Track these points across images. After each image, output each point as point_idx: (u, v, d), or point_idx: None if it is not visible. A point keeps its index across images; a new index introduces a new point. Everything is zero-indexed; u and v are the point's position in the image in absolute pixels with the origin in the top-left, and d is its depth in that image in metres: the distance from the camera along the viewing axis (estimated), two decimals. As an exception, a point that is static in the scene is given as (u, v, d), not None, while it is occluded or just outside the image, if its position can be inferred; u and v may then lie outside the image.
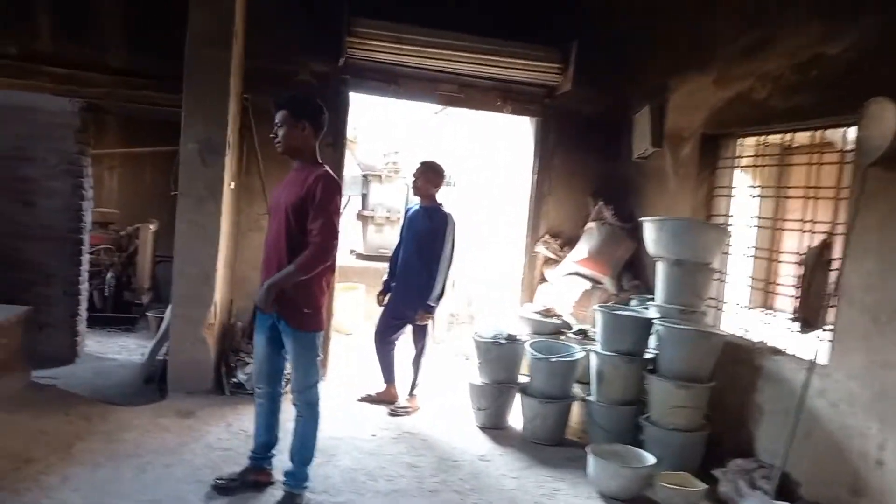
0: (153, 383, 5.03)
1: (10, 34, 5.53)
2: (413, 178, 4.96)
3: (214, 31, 4.58)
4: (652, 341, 4.33)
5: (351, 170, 8.62)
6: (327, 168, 3.33)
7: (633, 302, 4.90)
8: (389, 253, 5.32)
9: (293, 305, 3.20)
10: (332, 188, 3.22)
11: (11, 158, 5.57)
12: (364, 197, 8.65)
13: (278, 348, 3.32)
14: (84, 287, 6.02)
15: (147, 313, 7.06)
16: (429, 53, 5.22)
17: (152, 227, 7.27)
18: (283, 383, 3.58)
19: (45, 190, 5.67)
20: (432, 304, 4.85)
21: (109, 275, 7.14)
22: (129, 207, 7.99)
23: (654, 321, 4.29)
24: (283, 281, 3.14)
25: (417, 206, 5.05)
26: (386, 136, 9.02)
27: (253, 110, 5.18)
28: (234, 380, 4.86)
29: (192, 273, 4.69)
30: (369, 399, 5.12)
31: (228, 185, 4.87)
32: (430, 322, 4.98)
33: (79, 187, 5.76)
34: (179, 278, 4.71)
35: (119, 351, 6.45)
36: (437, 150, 8.06)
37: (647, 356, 4.34)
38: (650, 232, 4.41)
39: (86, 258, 6.01)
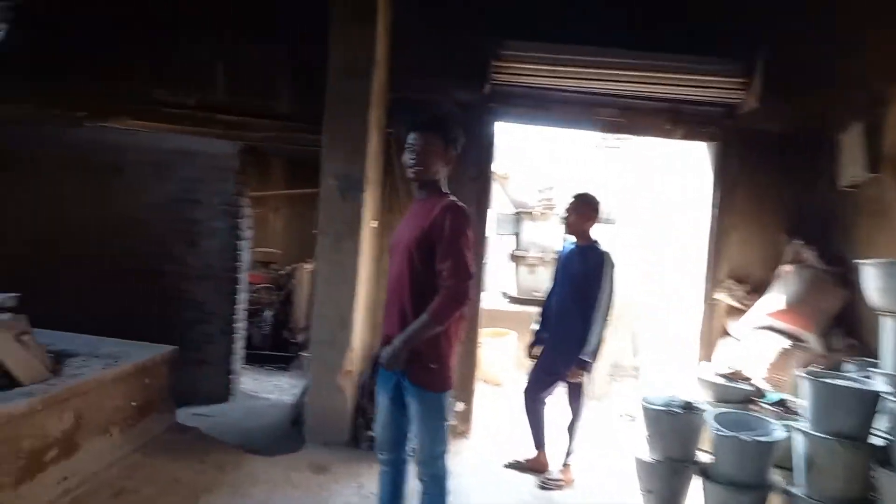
0: (299, 426, 4.82)
1: (190, 87, 5.91)
2: (565, 214, 4.31)
3: (354, 61, 4.36)
4: (881, 422, 3.29)
5: (502, 207, 8.16)
6: (454, 198, 2.84)
7: (849, 367, 3.84)
8: (542, 296, 4.68)
9: (418, 360, 2.72)
10: (462, 219, 2.72)
11: (181, 201, 5.76)
12: (516, 236, 8.11)
13: (404, 409, 2.83)
14: (240, 326, 6.04)
15: (302, 353, 7.00)
16: (586, 74, 4.62)
17: (309, 266, 7.26)
18: (410, 449, 3.08)
19: (207, 230, 5.80)
20: (587, 360, 4.13)
21: (268, 313, 7.21)
22: (291, 247, 8.13)
23: (884, 396, 3.26)
24: (417, 335, 2.68)
25: (572, 246, 4.40)
26: (540, 171, 8.46)
27: (396, 145, 4.88)
28: (371, 433, 4.47)
29: (330, 316, 4.41)
30: (518, 466, 4.46)
31: (369, 223, 4.57)
32: (585, 380, 4.25)
33: (237, 227, 5.82)
34: (318, 321, 4.46)
35: (272, 390, 6.40)
36: (597, 184, 7.35)
37: (876, 442, 3.29)
38: (875, 278, 3.42)
39: (242, 297, 6.04)
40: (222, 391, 5.89)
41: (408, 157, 2.86)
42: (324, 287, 4.45)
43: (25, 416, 3.01)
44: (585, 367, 4.11)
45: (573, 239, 4.34)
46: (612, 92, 4.82)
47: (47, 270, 5.73)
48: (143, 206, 5.73)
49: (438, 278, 2.66)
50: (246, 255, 6.01)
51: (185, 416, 5.39)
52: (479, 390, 5.44)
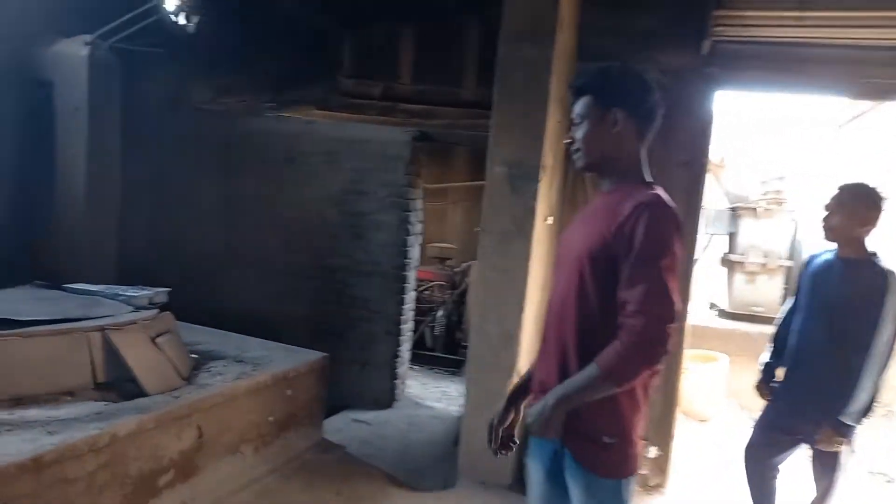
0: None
1: (376, 78, 5.72)
2: (826, 213, 2.98)
3: (532, 22, 3.50)
4: None
5: (714, 201, 6.78)
6: (658, 191, 1.86)
7: None
8: (763, 312, 3.42)
9: (584, 429, 1.82)
10: (664, 225, 1.74)
11: (349, 192, 5.40)
12: (731, 236, 6.69)
13: (566, 491, 1.94)
14: (407, 326, 5.54)
15: (473, 358, 6.35)
16: (851, 19, 3.32)
17: (484, 264, 6.57)
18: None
19: (374, 224, 5.37)
20: (849, 423, 2.84)
21: (440, 313, 6.66)
22: (469, 243, 7.51)
23: None
24: (581, 393, 1.76)
25: (830, 257, 3.08)
26: (763, 158, 6.93)
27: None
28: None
29: (492, 332, 3.63)
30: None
31: (544, 220, 3.71)
32: (843, 450, 2.95)
33: (406, 221, 5.31)
34: (476, 337, 3.70)
35: (439, 398, 5.84)
36: (848, 175, 5.73)
37: None
38: None
39: (410, 296, 5.53)
40: (386, 396, 5.44)
41: (567, 137, 1.98)
42: (486, 296, 3.68)
43: (134, 435, 2.61)
44: (846, 432, 2.82)
45: (832, 248, 3.04)
46: (888, 44, 3.43)
47: (214, 261, 5.68)
48: (311, 198, 5.43)
49: (620, 311, 1.74)
50: (415, 251, 5.49)
51: (344, 420, 5.01)
52: (680, 429, 4.34)
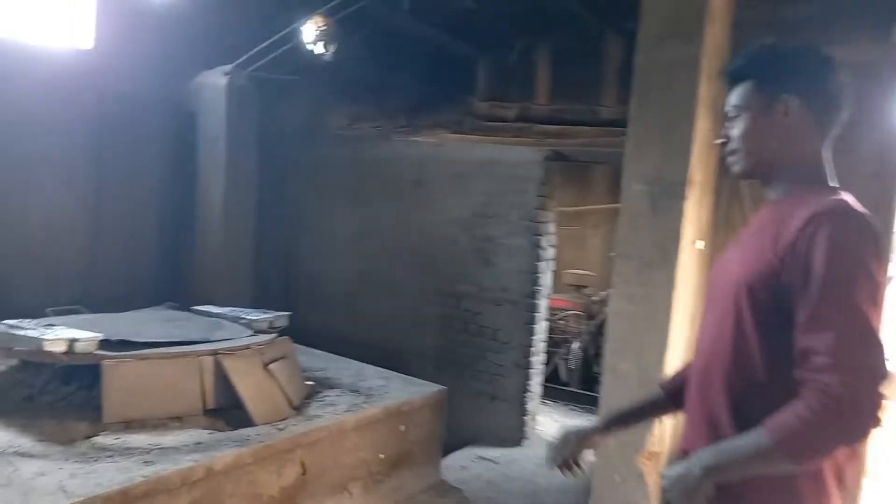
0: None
1: (511, 100, 5.64)
2: None
3: (675, 19, 3.03)
4: None
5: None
6: (844, 197, 1.36)
7: None
8: None
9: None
10: (855, 240, 1.24)
11: (478, 216, 5.14)
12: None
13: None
14: (538, 359, 5.13)
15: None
16: None
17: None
18: None
19: (504, 249, 5.06)
20: None
21: (575, 345, 6.16)
22: (608, 269, 6.96)
23: None
24: (735, 467, 1.28)
25: None
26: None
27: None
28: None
29: (628, 372, 3.14)
30: None
31: (692, 244, 3.18)
32: None
33: (538, 246, 4.94)
34: (610, 377, 3.23)
35: (573, 438, 5.32)
36: None
37: None
38: None
39: (541, 326, 5.12)
40: (514, 433, 5.04)
41: (720, 136, 1.52)
42: (621, 331, 3.21)
43: (231, 469, 2.45)
44: None
45: None
46: None
47: (344, 286, 5.62)
48: (439, 222, 5.23)
49: (801, 363, 1.26)
50: (548, 277, 5.09)
51: (469, 457, 4.69)
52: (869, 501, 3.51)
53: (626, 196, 3.19)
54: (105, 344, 2.83)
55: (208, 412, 2.85)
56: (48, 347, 2.65)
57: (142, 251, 4.91)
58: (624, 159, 3.18)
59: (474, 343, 5.11)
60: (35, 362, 2.78)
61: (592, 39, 5.39)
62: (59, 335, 2.71)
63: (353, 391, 3.45)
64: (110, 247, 4.79)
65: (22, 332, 2.71)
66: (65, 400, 2.78)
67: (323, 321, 5.71)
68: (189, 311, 3.76)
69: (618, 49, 5.25)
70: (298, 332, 3.84)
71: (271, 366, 3.12)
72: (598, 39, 5.37)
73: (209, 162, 4.79)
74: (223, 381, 2.91)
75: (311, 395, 3.30)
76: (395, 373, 3.81)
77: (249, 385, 2.96)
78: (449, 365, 5.14)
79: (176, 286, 4.93)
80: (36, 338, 2.66)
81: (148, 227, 4.96)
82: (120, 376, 2.72)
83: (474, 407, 5.06)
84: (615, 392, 3.18)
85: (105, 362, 2.71)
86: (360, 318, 5.60)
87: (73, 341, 2.71)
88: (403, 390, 3.51)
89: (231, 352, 3.01)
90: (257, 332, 3.45)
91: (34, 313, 3.58)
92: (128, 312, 3.58)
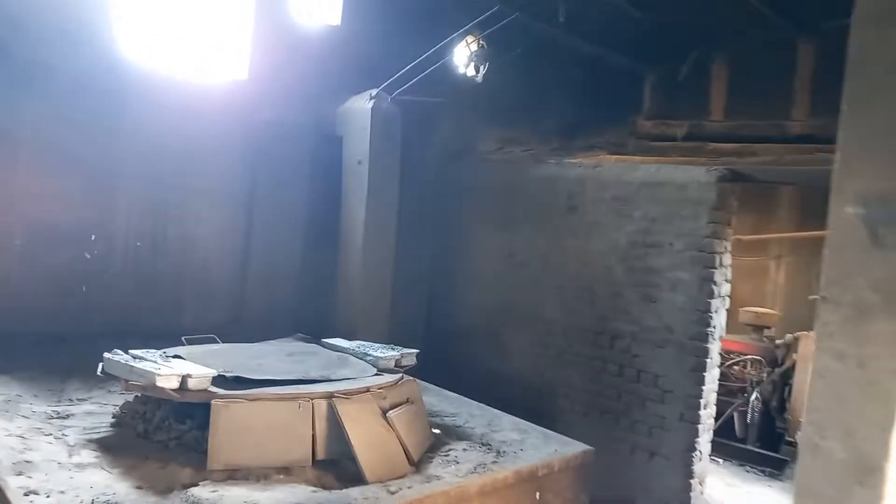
0: None
1: (680, 117, 5.14)
2: None
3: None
4: None
5: None
6: None
7: None
8: None
9: None
10: None
11: (638, 245, 4.50)
12: None
13: None
14: (707, 412, 4.33)
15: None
16: None
17: (818, 338, 4.95)
18: None
19: (668, 282, 4.36)
20: None
21: (754, 395, 5.20)
22: (795, 308, 5.87)
23: None
24: None
25: None
26: None
27: None
28: None
29: (834, 453, 2.34)
30: None
31: (929, 291, 2.33)
32: None
33: (709, 280, 4.19)
34: (809, 456, 2.44)
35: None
36: None
37: None
38: None
39: (713, 373, 4.33)
40: (678, 496, 4.28)
41: None
42: (825, 397, 2.42)
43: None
44: None
45: None
46: None
47: (488, 319, 5.18)
48: (594, 251, 4.64)
49: None
50: (721, 317, 4.29)
51: (625, 521, 4.02)
52: None
53: (834, 223, 2.42)
54: (219, 380, 2.63)
55: (318, 463, 2.52)
56: (160, 383, 2.49)
57: (286, 276, 4.86)
58: (833, 177, 2.42)
59: (631, 389, 4.43)
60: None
61: (780, 45, 4.61)
62: (172, 370, 2.53)
63: (483, 445, 2.98)
64: (258, 271, 4.78)
65: (140, 366, 2.58)
66: (177, 440, 2.61)
67: (464, 353, 5.33)
68: (318, 343, 3.52)
69: (810, 54, 4.46)
70: (436, 365, 3.50)
71: (392, 413, 2.75)
72: (787, 45, 4.57)
73: (353, 187, 4.62)
74: (336, 429, 2.58)
75: (434, 448, 2.88)
76: (533, 425, 3.28)
77: (364, 435, 2.60)
78: (600, 412, 4.51)
79: (316, 312, 4.80)
80: (150, 372, 2.50)
81: (293, 253, 4.90)
82: (229, 417, 2.49)
83: (629, 463, 4.38)
84: (816, 475, 2.40)
85: (215, 402, 2.49)
86: (504, 353, 5.14)
87: (185, 377, 2.53)
88: (541, 448, 2.98)
89: (348, 395, 2.67)
90: (382, 370, 3.12)
91: (191, 334, 3.60)
92: (256, 344, 3.42)
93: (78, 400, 3.00)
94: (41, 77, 3.66)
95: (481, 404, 3.51)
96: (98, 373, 2.74)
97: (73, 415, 2.81)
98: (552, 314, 4.84)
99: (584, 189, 4.77)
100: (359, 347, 3.36)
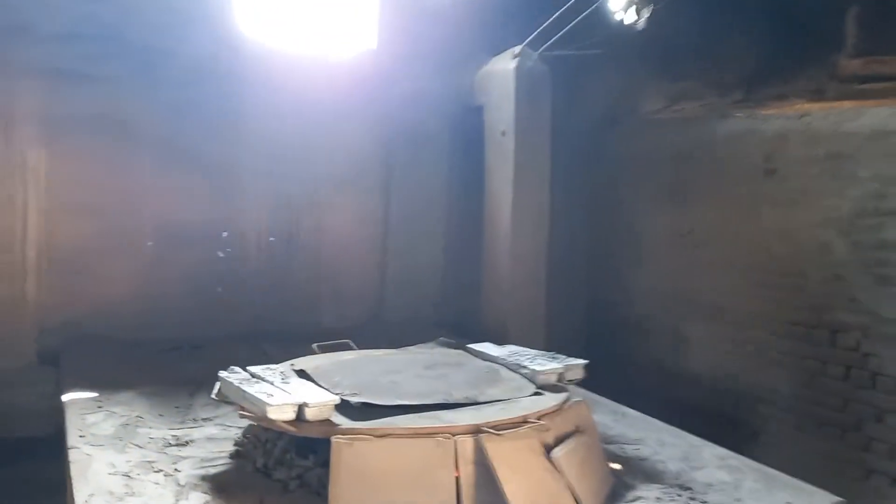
0: None
1: None
2: None
3: None
4: None
5: None
6: None
7: None
8: None
9: None
10: None
11: (866, 214, 3.48)
12: None
13: None
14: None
15: None
16: None
17: None
18: None
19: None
20: None
21: None
22: None
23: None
24: None
25: None
26: None
27: None
28: None
29: None
30: None
31: None
32: None
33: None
34: None
35: None
36: None
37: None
38: None
39: None
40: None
41: None
42: None
43: None
44: None
45: None
46: None
47: (662, 310, 4.32)
48: (801, 224, 3.66)
49: None
50: None
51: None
52: None
53: None
54: (343, 406, 2.12)
55: (466, 519, 1.92)
56: (272, 415, 2.01)
57: (427, 268, 4.33)
58: None
59: (863, 398, 3.43)
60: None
61: None
62: (287, 398, 2.05)
63: (682, 490, 2.23)
64: (398, 264, 4.29)
65: (252, 391, 2.13)
66: (299, 479, 2.13)
67: (634, 350, 4.53)
68: (464, 349, 2.93)
69: None
70: (602, 364, 2.82)
71: (558, 453, 2.08)
72: None
73: (496, 163, 3.97)
74: (486, 474, 1.96)
75: (616, 495, 2.17)
76: (746, 461, 2.45)
77: (523, 483, 1.97)
78: (817, 424, 3.54)
79: (460, 309, 4.24)
80: (261, 402, 2.04)
81: (434, 241, 4.36)
82: (353, 458, 1.96)
83: (864, 490, 3.40)
84: None
85: (335, 440, 1.97)
86: (683, 349, 4.28)
87: (302, 407, 2.04)
88: (764, 498, 2.15)
89: (499, 428, 2.05)
90: (542, 387, 2.46)
91: (328, 334, 3.20)
92: (392, 352, 2.90)
93: (203, 420, 2.65)
94: (158, 64, 3.39)
95: (672, 427, 2.73)
96: (212, 396, 2.35)
97: (192, 441, 2.45)
98: (745, 303, 3.91)
99: (785, 147, 3.78)
100: (511, 356, 2.72)
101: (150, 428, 2.53)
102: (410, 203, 4.27)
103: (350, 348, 2.96)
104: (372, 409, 2.15)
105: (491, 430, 2.04)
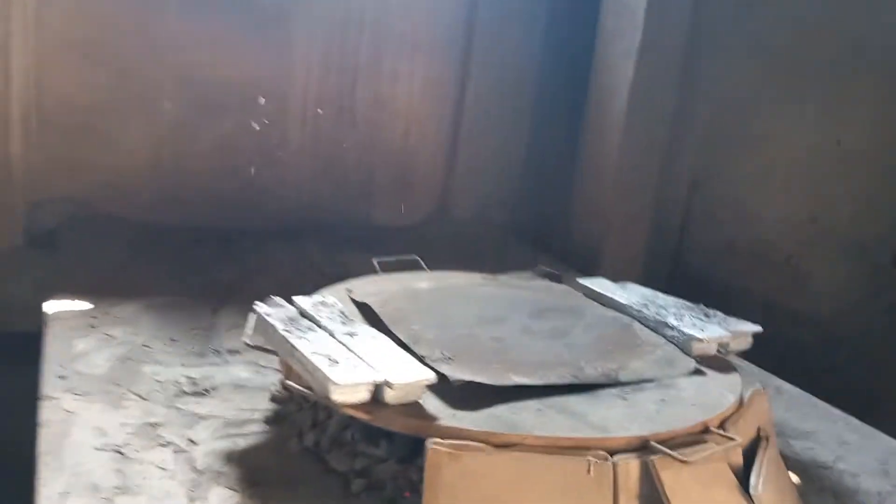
0: None
1: None
2: None
3: None
4: None
5: None
6: None
7: None
8: None
9: None
10: None
11: None
12: None
13: None
14: None
15: None
16: None
17: None
18: None
19: None
20: None
21: None
22: None
23: None
24: None
25: None
26: None
27: None
28: None
29: None
30: None
31: None
32: None
33: None
34: None
35: None
36: None
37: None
38: None
39: None
40: None
41: None
42: None
43: None
44: None
45: None
46: None
47: (779, 232, 3.47)
48: None
49: None
50: None
51: None
52: None
53: None
54: (440, 387, 1.38)
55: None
56: (339, 397, 1.28)
57: (506, 158, 3.47)
58: None
59: None
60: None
61: None
62: (358, 373, 1.32)
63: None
64: (470, 150, 3.43)
65: (307, 351, 1.39)
66: (362, 473, 1.44)
67: (734, 279, 3.71)
68: (572, 285, 2.15)
69: None
70: (693, 289, 2.10)
71: (758, 486, 1.35)
72: None
73: (615, 31, 2.97)
74: (656, 513, 1.25)
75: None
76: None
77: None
78: None
79: (540, 213, 3.42)
80: (322, 374, 1.30)
81: (517, 129, 3.46)
82: (457, 477, 1.25)
83: None
84: None
85: (433, 447, 1.25)
86: (802, 289, 3.45)
87: (380, 386, 1.31)
88: None
89: (674, 445, 1.31)
90: (701, 360, 1.70)
91: (381, 233, 2.39)
92: (482, 283, 2.13)
93: (228, 354, 1.94)
94: None
95: (852, 419, 1.99)
96: (243, 340, 1.62)
97: (214, 388, 1.75)
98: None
99: None
100: (646, 306, 1.94)
101: (158, 364, 1.82)
102: (492, 75, 3.34)
103: (419, 267, 2.20)
104: (476, 386, 1.42)
105: (665, 450, 1.30)
